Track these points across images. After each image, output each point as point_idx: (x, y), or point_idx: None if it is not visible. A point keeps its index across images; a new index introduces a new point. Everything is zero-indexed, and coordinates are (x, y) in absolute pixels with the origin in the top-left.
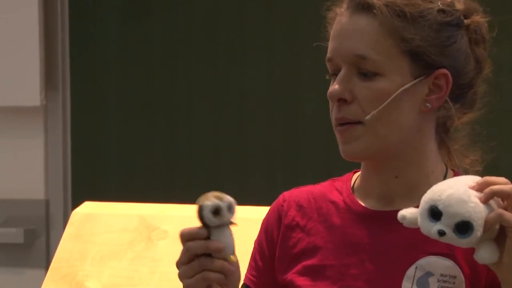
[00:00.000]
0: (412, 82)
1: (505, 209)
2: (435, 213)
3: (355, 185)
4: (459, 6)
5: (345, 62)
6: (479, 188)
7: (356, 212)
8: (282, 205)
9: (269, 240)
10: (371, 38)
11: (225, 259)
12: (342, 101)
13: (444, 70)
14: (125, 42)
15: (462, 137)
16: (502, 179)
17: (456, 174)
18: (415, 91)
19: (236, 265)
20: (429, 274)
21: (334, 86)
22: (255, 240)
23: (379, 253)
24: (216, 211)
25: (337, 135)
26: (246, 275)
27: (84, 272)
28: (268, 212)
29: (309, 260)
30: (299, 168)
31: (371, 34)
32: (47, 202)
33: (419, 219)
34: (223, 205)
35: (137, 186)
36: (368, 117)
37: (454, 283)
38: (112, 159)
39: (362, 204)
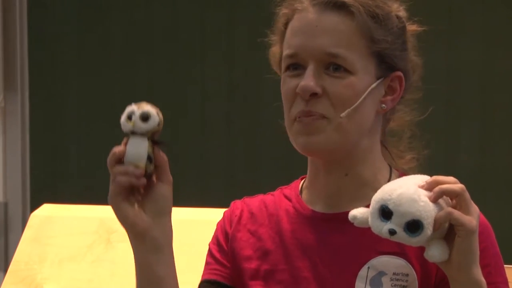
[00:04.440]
0: (376, 83)
1: (454, 207)
2: (385, 212)
3: (303, 190)
4: (402, 13)
5: (314, 59)
6: (429, 187)
7: (305, 216)
8: (233, 212)
9: (225, 237)
10: (345, 37)
11: (135, 166)
12: (312, 95)
13: (400, 73)
14: (84, 43)
15: (398, 139)
16: (450, 178)
17: (400, 173)
18: (375, 92)
19: (148, 174)
20: (381, 273)
21: (307, 81)
22: (210, 243)
23: (331, 255)
24: (129, 116)
25: (298, 127)
26: (205, 273)
27: (43, 275)
28: (222, 218)
29: (260, 265)
30: (259, 171)
31: (344, 32)
32: (5, 205)
33: (370, 219)
34: (137, 112)
35: (97, 188)
36: (343, 114)
37: (407, 280)
38: (71, 161)
39: (311, 208)
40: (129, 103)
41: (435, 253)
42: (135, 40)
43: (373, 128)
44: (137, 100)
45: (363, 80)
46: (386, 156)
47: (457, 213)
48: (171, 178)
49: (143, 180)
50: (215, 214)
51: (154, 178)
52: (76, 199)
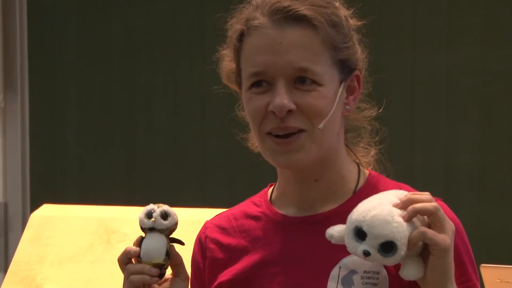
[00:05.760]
0: (341, 87)
1: (429, 225)
2: (360, 233)
3: (273, 196)
4: (347, 12)
5: (282, 75)
6: (403, 206)
7: (277, 222)
8: (203, 233)
9: (197, 273)
10: (311, 50)
11: (149, 263)
12: (287, 112)
13: (358, 72)
14: (84, 43)
15: (358, 135)
16: (425, 196)
17: (371, 173)
18: (340, 96)
19: (165, 268)
20: (353, 272)
21: (282, 100)
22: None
23: (303, 257)
24: (149, 214)
25: (274, 145)
26: None
27: (43, 275)
28: (192, 252)
29: (236, 275)
30: (259, 171)
31: (310, 46)
32: (5, 205)
33: (345, 238)
34: (157, 210)
35: (97, 189)
36: (321, 126)
37: (377, 278)
38: (71, 162)
39: (282, 213)
40: (129, 103)
41: (410, 272)
42: (135, 40)
43: (339, 131)
44: (136, 99)
45: (331, 88)
46: (351, 155)
47: (430, 232)
48: (188, 274)
49: (156, 280)
50: (215, 215)
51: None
52: (76, 199)
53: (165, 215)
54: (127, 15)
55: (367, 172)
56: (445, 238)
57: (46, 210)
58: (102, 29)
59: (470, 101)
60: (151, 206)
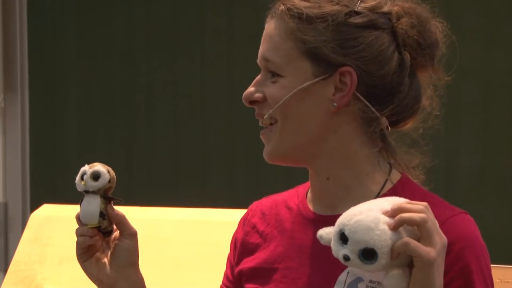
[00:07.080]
0: (311, 81)
1: (419, 237)
2: (343, 237)
3: (308, 191)
4: (387, 8)
5: (261, 66)
6: (392, 214)
7: (304, 216)
8: (248, 214)
9: (234, 250)
10: (274, 41)
11: (87, 225)
12: (256, 102)
13: (347, 68)
14: (84, 43)
15: (399, 141)
16: (417, 207)
17: (404, 177)
18: (318, 91)
19: (104, 230)
20: (359, 279)
21: (247, 90)
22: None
23: (317, 257)
24: (82, 176)
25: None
26: (221, 285)
27: (43, 275)
28: (238, 225)
29: (260, 264)
30: (260, 171)
31: (274, 37)
32: (5, 205)
33: (332, 240)
34: (88, 171)
35: None
36: (266, 116)
37: None
38: (71, 161)
39: (311, 208)
40: (129, 103)
41: (391, 281)
42: (135, 40)
43: (337, 129)
44: (136, 99)
45: (295, 81)
46: (391, 159)
47: (413, 243)
48: (133, 230)
49: (97, 239)
50: (215, 214)
51: (117, 233)
52: (76, 199)
53: (96, 176)
54: (127, 15)
55: (398, 177)
56: (430, 251)
57: (46, 210)
58: (102, 29)
59: (470, 101)
60: (84, 168)
